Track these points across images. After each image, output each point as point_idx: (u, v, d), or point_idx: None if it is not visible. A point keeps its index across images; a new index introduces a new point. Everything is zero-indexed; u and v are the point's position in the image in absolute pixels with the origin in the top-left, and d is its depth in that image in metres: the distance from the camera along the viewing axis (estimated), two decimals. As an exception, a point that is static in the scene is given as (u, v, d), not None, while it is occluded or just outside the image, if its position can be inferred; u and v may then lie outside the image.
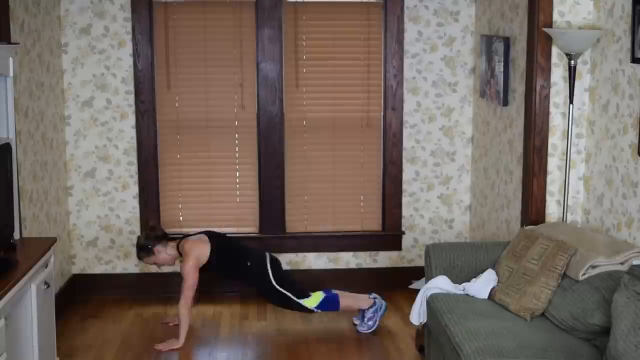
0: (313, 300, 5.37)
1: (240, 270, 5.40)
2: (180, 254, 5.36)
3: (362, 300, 5.46)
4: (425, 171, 6.25)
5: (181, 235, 5.52)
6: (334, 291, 5.48)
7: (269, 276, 5.34)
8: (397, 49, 6.07)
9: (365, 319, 5.44)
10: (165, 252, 5.36)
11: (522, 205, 5.05)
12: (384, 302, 5.49)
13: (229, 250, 5.43)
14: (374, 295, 5.53)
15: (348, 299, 5.44)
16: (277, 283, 5.35)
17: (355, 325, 5.51)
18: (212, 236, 5.42)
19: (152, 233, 5.42)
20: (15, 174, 4.37)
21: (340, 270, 6.26)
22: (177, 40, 6.01)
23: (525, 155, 5.00)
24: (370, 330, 5.42)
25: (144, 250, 5.37)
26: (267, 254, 5.46)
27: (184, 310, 5.22)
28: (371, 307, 5.44)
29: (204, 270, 5.37)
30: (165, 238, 5.41)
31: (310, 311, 5.39)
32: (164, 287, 5.93)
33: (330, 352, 5.18)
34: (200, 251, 5.29)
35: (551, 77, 4.84)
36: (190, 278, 5.24)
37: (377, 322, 5.44)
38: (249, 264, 5.37)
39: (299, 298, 5.36)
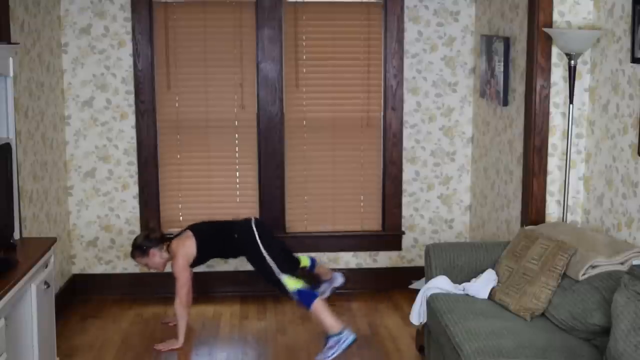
0: (293, 283, 5.18)
1: (231, 246, 5.38)
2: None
3: (332, 321, 5.06)
4: (425, 171, 6.25)
5: (171, 236, 5.52)
6: (319, 290, 5.47)
7: (255, 239, 5.27)
8: (397, 49, 6.07)
9: (326, 346, 5.05)
10: (159, 255, 5.36)
11: (522, 205, 5.05)
12: (352, 336, 5.05)
13: (214, 233, 5.42)
14: (352, 332, 5.11)
15: (322, 310, 5.09)
16: (264, 248, 5.25)
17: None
18: (195, 228, 5.43)
19: (152, 234, 5.42)
20: (15, 174, 4.37)
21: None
22: (177, 40, 6.01)
23: (525, 155, 5.00)
24: (328, 358, 5.02)
25: (139, 249, 5.37)
26: (252, 218, 5.44)
27: (181, 309, 5.23)
28: (335, 335, 5.04)
29: (200, 262, 5.41)
30: (162, 241, 5.41)
31: (285, 292, 5.19)
32: (164, 287, 5.92)
33: (330, 352, 5.19)
34: (186, 248, 5.30)
35: (551, 77, 4.84)
36: (183, 276, 5.25)
37: (336, 354, 5.01)
38: (236, 235, 5.36)
39: (282, 272, 5.21)
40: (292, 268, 5.36)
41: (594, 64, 4.74)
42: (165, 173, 6.12)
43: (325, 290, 5.79)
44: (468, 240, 6.31)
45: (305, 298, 5.14)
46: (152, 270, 5.79)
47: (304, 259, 5.64)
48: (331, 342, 5.05)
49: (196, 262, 5.39)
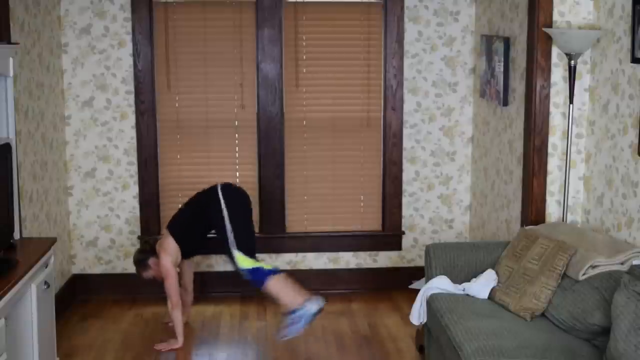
0: (247, 262, 4.98)
1: (205, 220, 5.19)
2: None
3: (289, 298, 4.94)
4: (425, 171, 6.25)
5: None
6: (281, 274, 5.02)
7: (219, 200, 5.06)
8: (397, 49, 6.06)
9: (285, 324, 5.00)
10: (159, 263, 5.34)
11: (522, 205, 5.05)
12: (314, 307, 4.91)
13: (185, 219, 5.30)
14: (316, 302, 4.99)
15: (278, 288, 4.93)
16: (228, 212, 5.00)
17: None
18: (170, 225, 5.33)
19: (144, 246, 5.39)
20: (15, 174, 4.37)
21: (340, 270, 6.26)
22: (177, 40, 6.01)
23: (525, 155, 5.00)
24: (287, 337, 5.00)
25: (140, 265, 5.35)
26: (219, 184, 5.22)
27: (174, 310, 5.21)
28: (297, 310, 4.91)
29: (190, 250, 5.34)
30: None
31: (236, 268, 5.02)
32: (164, 287, 5.91)
33: (329, 352, 5.19)
34: (165, 246, 5.24)
35: (551, 77, 4.84)
36: (170, 275, 5.21)
37: (298, 331, 4.96)
38: (207, 209, 5.15)
39: (236, 247, 5.01)
40: (249, 251, 5.04)
41: (594, 64, 4.74)
42: (165, 173, 6.12)
43: (297, 324, 4.99)
44: (468, 240, 6.31)
45: (258, 275, 4.95)
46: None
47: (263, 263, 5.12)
48: (290, 319, 4.94)
49: (187, 253, 5.34)
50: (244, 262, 5.04)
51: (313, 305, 4.95)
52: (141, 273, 5.41)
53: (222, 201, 5.14)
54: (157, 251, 5.31)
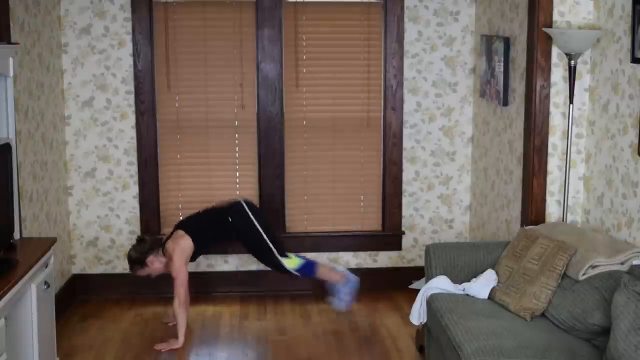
0: (292, 262, 5.47)
1: (227, 231, 5.50)
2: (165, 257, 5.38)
3: (336, 275, 5.57)
4: (425, 171, 6.25)
5: (160, 237, 5.56)
6: (336, 300, 5.62)
7: (251, 220, 5.45)
8: (397, 49, 6.06)
9: (342, 295, 5.57)
10: (157, 260, 5.37)
11: (522, 205, 5.05)
12: (356, 278, 5.59)
13: (206, 223, 5.51)
14: (340, 268, 5.68)
15: (324, 272, 5.55)
16: (263, 230, 5.46)
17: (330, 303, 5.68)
18: (184, 225, 5.46)
19: (141, 243, 5.40)
20: (15, 174, 4.37)
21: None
22: (177, 40, 6.01)
23: (525, 155, 5.00)
24: (348, 306, 5.58)
25: (138, 263, 5.37)
26: (242, 200, 5.57)
27: (180, 309, 5.23)
28: (344, 283, 5.54)
29: (200, 253, 5.49)
30: (156, 246, 5.41)
31: (288, 272, 5.48)
32: (164, 287, 5.92)
33: (330, 352, 5.19)
34: (182, 246, 5.33)
35: (551, 77, 4.84)
36: (181, 275, 5.27)
37: (352, 298, 5.58)
38: (230, 219, 5.48)
39: (281, 256, 5.46)
40: (284, 249, 5.55)
41: (594, 64, 4.75)
42: (165, 173, 6.12)
43: (350, 294, 5.63)
44: (468, 240, 6.31)
45: (308, 271, 5.49)
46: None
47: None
48: (345, 290, 5.56)
49: (195, 255, 5.45)
50: (290, 263, 5.47)
51: (354, 277, 5.59)
52: (138, 272, 5.42)
53: (253, 218, 5.48)
54: (168, 250, 5.33)
